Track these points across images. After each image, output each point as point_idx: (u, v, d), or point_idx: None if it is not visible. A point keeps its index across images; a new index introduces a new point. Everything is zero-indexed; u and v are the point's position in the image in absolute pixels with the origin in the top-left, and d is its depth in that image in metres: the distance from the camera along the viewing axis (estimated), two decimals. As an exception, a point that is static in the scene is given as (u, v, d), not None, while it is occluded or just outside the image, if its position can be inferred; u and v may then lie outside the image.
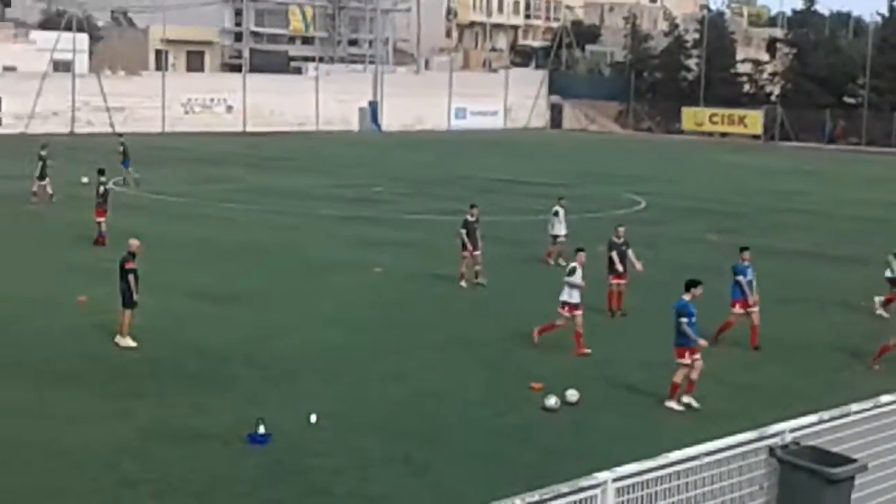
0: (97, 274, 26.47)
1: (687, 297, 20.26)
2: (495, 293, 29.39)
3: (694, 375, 20.04)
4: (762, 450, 12.25)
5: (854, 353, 24.32)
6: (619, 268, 27.12)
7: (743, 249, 25.18)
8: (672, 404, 20.00)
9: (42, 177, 42.95)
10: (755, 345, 24.43)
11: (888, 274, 27.94)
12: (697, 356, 19.96)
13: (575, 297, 23.42)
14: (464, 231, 30.09)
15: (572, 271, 23.56)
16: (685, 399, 20.10)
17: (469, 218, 30.46)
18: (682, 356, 20.01)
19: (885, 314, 27.60)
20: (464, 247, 30.16)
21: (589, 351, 23.28)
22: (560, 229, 33.01)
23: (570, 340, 24.39)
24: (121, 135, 55.43)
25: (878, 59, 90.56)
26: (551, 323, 23.73)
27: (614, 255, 27.26)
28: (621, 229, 28.34)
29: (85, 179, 44.27)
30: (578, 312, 23.47)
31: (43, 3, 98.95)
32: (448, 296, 29.14)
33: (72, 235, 35.14)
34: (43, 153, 44.06)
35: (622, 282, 27.29)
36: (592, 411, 19.61)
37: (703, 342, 20.17)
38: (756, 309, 24.55)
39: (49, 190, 42.73)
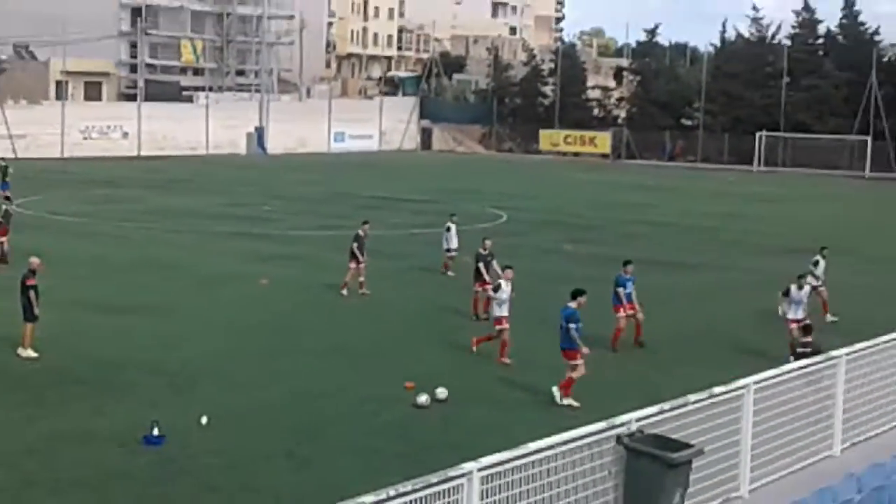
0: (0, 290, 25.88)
1: (573, 304, 20.35)
2: (374, 301, 29.40)
3: (575, 376, 20.14)
4: (610, 438, 12.43)
5: (693, 348, 24.79)
6: (486, 277, 27.36)
7: (626, 263, 25.35)
8: (570, 401, 19.94)
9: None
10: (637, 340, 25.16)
11: None
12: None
13: (503, 311, 23.15)
14: (355, 244, 30.18)
15: (497, 287, 23.54)
16: (566, 401, 20.16)
17: (360, 233, 30.55)
18: (574, 357, 20.07)
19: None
20: (352, 258, 30.19)
21: (509, 362, 23.09)
22: (452, 243, 33.35)
23: (437, 342, 24.61)
24: (3, 158, 54.55)
25: (711, 85, 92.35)
26: (487, 335, 23.68)
27: (481, 265, 27.58)
28: (488, 242, 28.67)
29: None
30: (506, 326, 23.24)
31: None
32: (330, 304, 29.05)
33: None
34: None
35: (489, 288, 27.45)
36: (460, 407, 19.70)
37: (585, 350, 20.20)
38: (636, 312, 25.07)
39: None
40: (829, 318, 27.54)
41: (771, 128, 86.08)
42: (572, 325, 20.08)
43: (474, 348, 23.69)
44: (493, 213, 49.86)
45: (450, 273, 32.78)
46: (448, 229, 33.60)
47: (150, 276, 32.27)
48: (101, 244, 38.33)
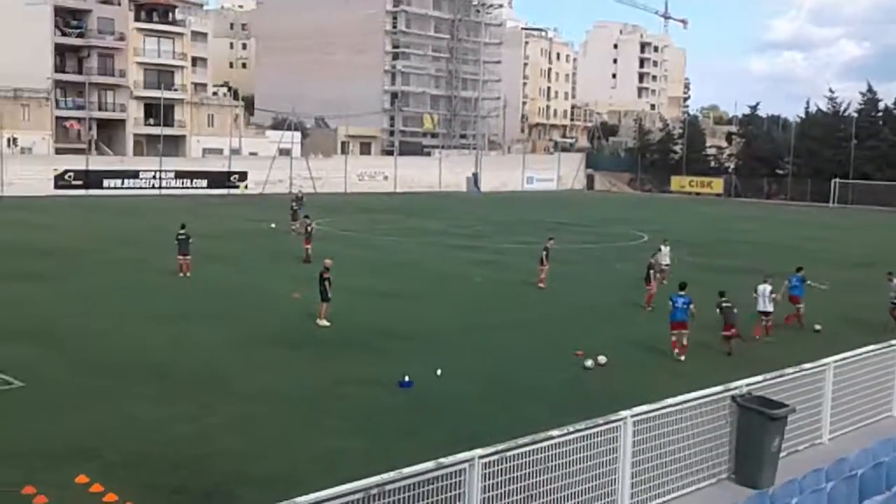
0: (306, 280, 26.72)
1: (684, 292, 20.76)
2: (551, 293, 29.10)
3: (685, 341, 20.44)
4: (727, 397, 11.97)
5: (783, 335, 23.66)
6: (653, 278, 26.91)
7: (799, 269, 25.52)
8: (682, 357, 20.42)
9: (295, 218, 43.06)
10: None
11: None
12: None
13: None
14: (544, 253, 30.01)
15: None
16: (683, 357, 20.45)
17: (548, 245, 30.41)
18: (684, 328, 20.57)
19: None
20: (541, 262, 30.03)
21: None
22: (664, 259, 30.46)
23: (599, 322, 24.11)
24: (301, 190, 58.64)
25: (798, 145, 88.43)
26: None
27: (651, 272, 26.92)
28: (551, 241, 28.44)
29: (273, 224, 44.66)
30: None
31: (273, 113, 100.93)
32: (523, 294, 28.91)
33: (290, 256, 35.56)
34: (294, 204, 44.88)
35: (655, 286, 26.78)
36: (616, 370, 19.31)
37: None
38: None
39: (296, 227, 42.27)
40: None
41: (842, 176, 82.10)
42: (692, 306, 20.46)
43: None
44: (637, 235, 48.88)
45: (664, 282, 28.68)
46: (660, 249, 30.97)
47: (401, 273, 32.87)
48: (371, 250, 39.21)
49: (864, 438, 13.37)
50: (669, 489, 11.04)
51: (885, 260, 39.29)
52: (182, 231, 30.84)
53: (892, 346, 15.34)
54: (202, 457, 13.51)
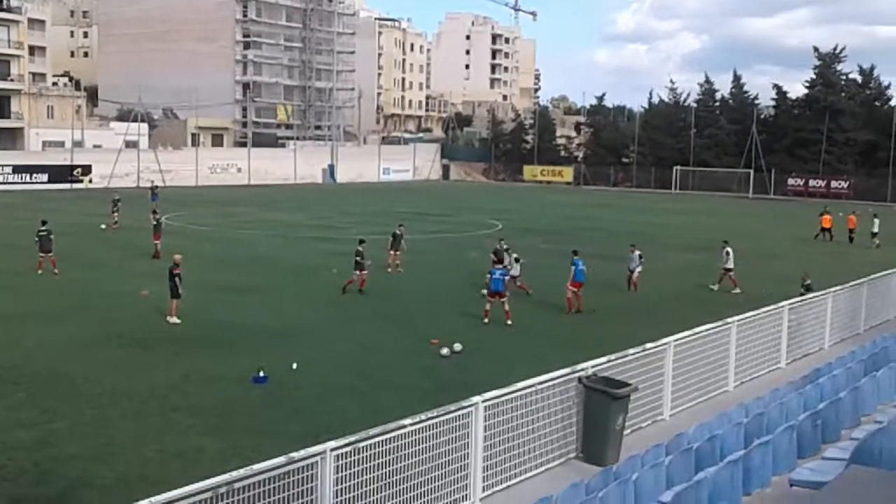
0: (155, 277, 25.89)
1: (500, 266, 24.17)
2: (411, 282, 29.28)
3: (506, 307, 22.83)
4: (574, 379, 12.37)
5: (627, 315, 24.64)
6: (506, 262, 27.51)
7: (575, 252, 25.54)
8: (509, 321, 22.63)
9: (115, 212, 43.03)
10: (580, 309, 24.73)
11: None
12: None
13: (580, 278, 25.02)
14: (391, 239, 30.98)
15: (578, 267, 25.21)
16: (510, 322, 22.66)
17: (397, 231, 31.26)
18: (504, 296, 22.89)
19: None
20: (390, 248, 30.91)
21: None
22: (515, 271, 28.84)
23: (453, 311, 24.42)
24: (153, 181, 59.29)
25: (642, 134, 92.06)
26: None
27: (494, 255, 27.77)
28: (503, 243, 29.10)
29: (103, 226, 42.58)
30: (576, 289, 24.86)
31: (118, 104, 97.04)
32: (378, 284, 28.84)
33: (138, 252, 34.40)
34: (116, 196, 43.92)
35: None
36: (471, 357, 19.63)
37: (507, 293, 23.23)
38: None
39: (117, 221, 42.64)
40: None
41: (683, 164, 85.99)
42: (506, 277, 23.49)
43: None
44: (492, 223, 49.67)
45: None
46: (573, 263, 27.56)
47: (256, 267, 32.29)
48: (222, 245, 38.34)
49: (702, 413, 14.12)
50: (520, 471, 11.34)
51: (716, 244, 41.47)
52: (43, 228, 30.17)
53: (728, 323, 16.23)
54: (45, 462, 12.93)
